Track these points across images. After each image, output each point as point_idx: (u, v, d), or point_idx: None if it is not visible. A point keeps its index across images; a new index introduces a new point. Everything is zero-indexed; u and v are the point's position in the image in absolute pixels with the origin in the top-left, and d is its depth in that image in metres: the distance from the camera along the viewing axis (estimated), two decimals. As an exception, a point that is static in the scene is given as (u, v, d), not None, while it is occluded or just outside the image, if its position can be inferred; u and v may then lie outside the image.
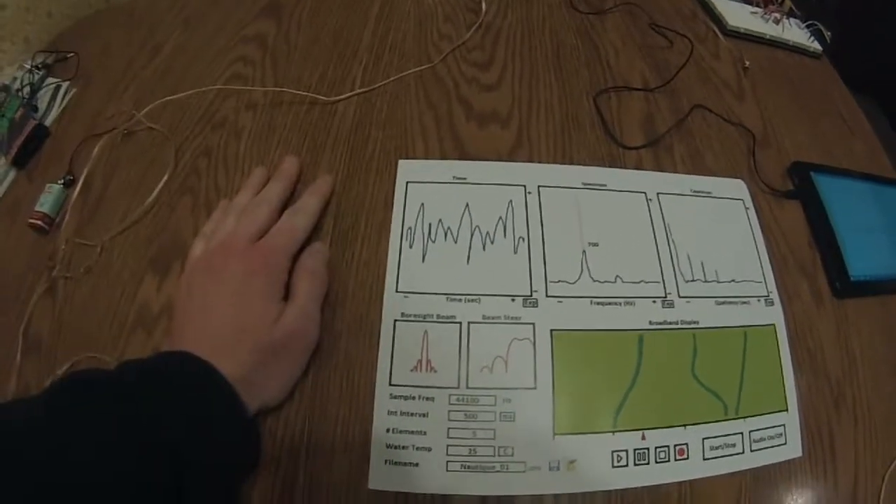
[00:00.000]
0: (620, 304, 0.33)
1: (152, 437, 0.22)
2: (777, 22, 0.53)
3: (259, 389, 0.27)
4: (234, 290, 0.29)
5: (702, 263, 0.35)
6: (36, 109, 0.45)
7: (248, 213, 0.32)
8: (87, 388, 0.23)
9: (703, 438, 0.30)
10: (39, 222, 0.37)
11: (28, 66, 0.47)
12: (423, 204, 0.35)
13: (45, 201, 0.37)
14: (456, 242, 0.34)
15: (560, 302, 0.33)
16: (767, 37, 0.52)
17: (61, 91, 0.46)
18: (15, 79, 0.47)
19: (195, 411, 0.24)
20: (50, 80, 0.47)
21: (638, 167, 0.39)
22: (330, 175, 0.37)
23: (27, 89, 0.46)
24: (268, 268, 0.30)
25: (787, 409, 0.32)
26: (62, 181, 0.39)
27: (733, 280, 0.35)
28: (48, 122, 0.44)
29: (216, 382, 0.25)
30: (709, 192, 0.39)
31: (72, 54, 0.48)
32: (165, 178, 0.37)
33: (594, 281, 0.34)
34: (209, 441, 0.24)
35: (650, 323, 0.33)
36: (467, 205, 0.35)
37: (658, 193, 0.38)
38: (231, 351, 0.27)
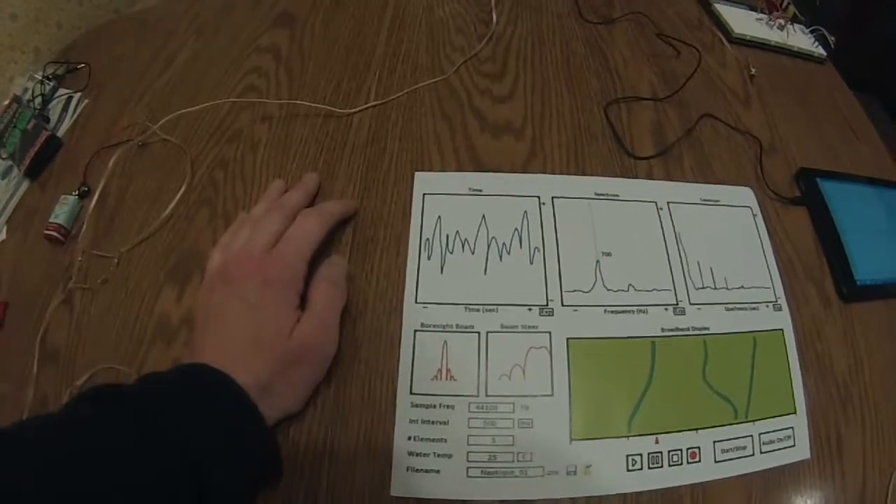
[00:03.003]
0: (633, 311, 0.34)
1: (171, 449, 0.22)
2: (782, 28, 0.54)
3: (278, 399, 0.27)
4: (250, 301, 0.29)
5: (711, 271, 0.36)
6: (48, 120, 0.45)
7: (262, 222, 0.32)
8: (107, 400, 0.23)
9: (715, 441, 0.31)
10: (55, 234, 0.37)
11: (39, 77, 0.47)
12: (439, 216, 0.36)
13: (61, 212, 0.37)
14: (473, 254, 0.34)
15: (575, 311, 0.33)
16: (772, 43, 0.52)
17: (73, 102, 0.46)
18: (26, 90, 0.47)
19: (214, 423, 0.24)
20: (61, 90, 0.47)
21: (649, 177, 0.40)
22: (354, 201, 0.37)
23: (38, 100, 0.45)
24: (282, 275, 0.30)
25: (795, 412, 0.32)
26: (77, 192, 0.39)
27: (742, 286, 0.36)
28: (60, 132, 0.44)
29: (234, 394, 0.25)
30: (717, 201, 0.39)
31: (83, 65, 0.48)
32: (183, 189, 0.38)
33: (608, 290, 0.34)
34: (228, 452, 0.24)
35: (662, 330, 0.33)
36: (483, 216, 0.36)
37: (668, 203, 0.38)
38: (248, 361, 0.27)
